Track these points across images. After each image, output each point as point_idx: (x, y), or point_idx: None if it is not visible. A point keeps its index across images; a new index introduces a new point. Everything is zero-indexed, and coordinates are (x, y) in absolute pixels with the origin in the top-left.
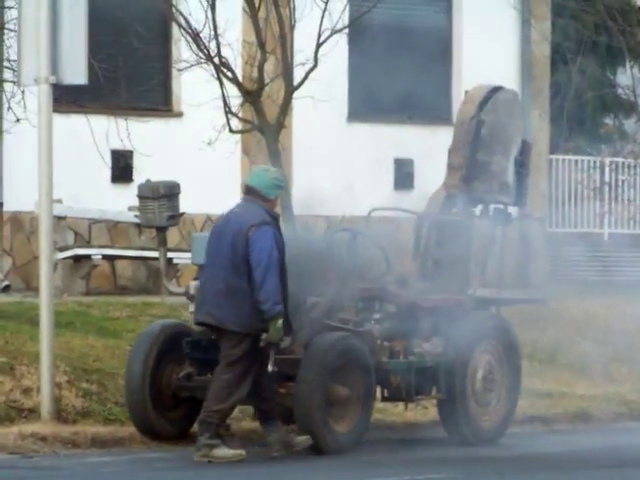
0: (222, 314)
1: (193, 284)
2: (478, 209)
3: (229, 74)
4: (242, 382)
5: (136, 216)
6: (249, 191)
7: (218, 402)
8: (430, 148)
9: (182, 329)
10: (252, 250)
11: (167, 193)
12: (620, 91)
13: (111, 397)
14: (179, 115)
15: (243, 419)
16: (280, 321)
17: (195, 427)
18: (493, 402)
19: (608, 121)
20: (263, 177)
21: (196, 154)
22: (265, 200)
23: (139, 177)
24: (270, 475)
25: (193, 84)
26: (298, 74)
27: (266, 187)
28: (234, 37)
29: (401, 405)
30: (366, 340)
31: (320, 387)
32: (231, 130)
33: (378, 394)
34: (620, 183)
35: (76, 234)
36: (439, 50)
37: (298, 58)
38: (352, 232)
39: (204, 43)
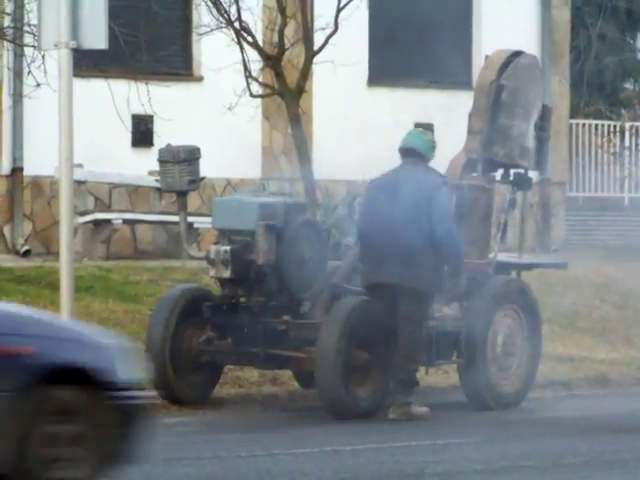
0: (408, 273)
1: (213, 248)
2: (498, 173)
3: (249, 39)
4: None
5: (157, 180)
6: (410, 152)
7: (412, 360)
8: (450, 112)
9: (202, 293)
10: (435, 208)
11: (188, 157)
12: None
13: None
14: (200, 79)
15: (264, 383)
16: (462, 276)
17: (217, 391)
18: (513, 367)
19: (628, 85)
20: (422, 139)
21: (217, 118)
22: (425, 161)
23: (159, 141)
24: (292, 439)
25: (214, 48)
26: (318, 39)
27: (426, 149)
28: (254, 1)
29: (422, 369)
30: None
31: (341, 351)
32: (252, 94)
33: None
34: None
35: (96, 198)
36: (459, 14)
37: (318, 23)
38: None
39: (224, 7)
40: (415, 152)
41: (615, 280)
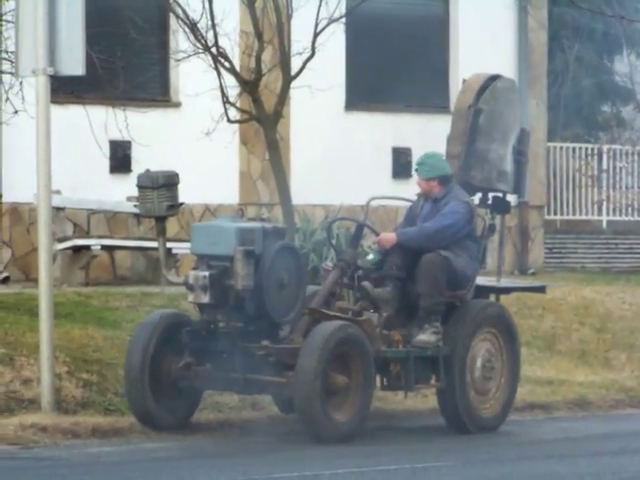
0: None
1: (192, 273)
2: (477, 197)
3: (227, 64)
4: None
5: (135, 206)
6: None
7: None
8: (428, 137)
9: (181, 319)
10: None
11: (166, 183)
12: (617, 78)
13: (111, 387)
14: (177, 105)
15: (243, 408)
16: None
17: (196, 416)
18: (492, 390)
19: (606, 108)
20: None
21: (194, 144)
22: None
23: (137, 167)
24: (272, 464)
25: (191, 74)
26: (295, 64)
27: None
28: (231, 27)
29: (401, 393)
30: (365, 329)
31: (320, 376)
32: (229, 120)
33: (378, 383)
34: (618, 170)
35: (75, 225)
36: (436, 38)
37: (295, 48)
38: (352, 221)
39: (201, 33)
40: None
41: (593, 303)
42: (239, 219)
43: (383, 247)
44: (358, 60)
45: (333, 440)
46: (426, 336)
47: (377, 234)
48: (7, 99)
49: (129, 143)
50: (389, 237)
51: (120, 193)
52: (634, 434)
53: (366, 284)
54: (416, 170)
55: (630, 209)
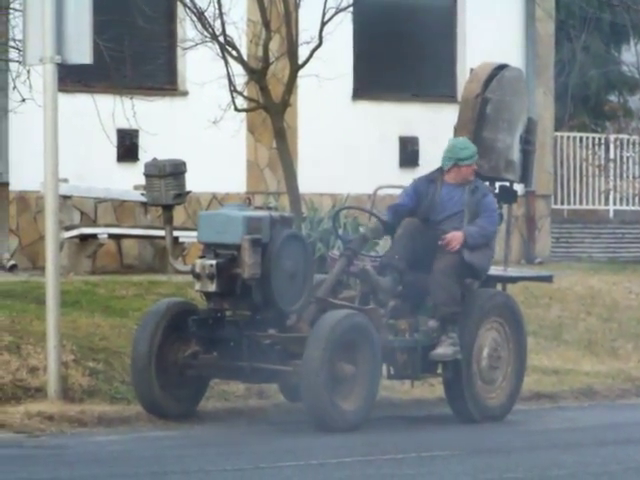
0: None
1: (199, 262)
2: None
3: (234, 53)
4: None
5: (142, 194)
6: None
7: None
8: (435, 126)
9: (188, 307)
10: None
11: (173, 171)
12: (624, 68)
13: (117, 376)
14: (184, 94)
15: (250, 397)
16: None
17: (202, 405)
18: (499, 379)
19: (613, 98)
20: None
21: (202, 133)
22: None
23: (145, 156)
24: (278, 452)
25: (198, 63)
26: (303, 53)
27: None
28: (239, 16)
29: (407, 383)
30: (372, 318)
31: (326, 364)
32: (236, 109)
33: (384, 372)
34: (625, 160)
35: (82, 213)
36: (444, 28)
37: (303, 36)
38: (359, 209)
39: (209, 22)
40: None
41: (600, 292)
42: (246, 208)
43: (453, 249)
44: (365, 49)
45: (340, 429)
46: (443, 349)
47: (384, 223)
48: (15, 87)
49: (136, 132)
50: (458, 237)
51: (127, 182)
52: None
53: (369, 268)
54: (464, 160)
55: (637, 199)
